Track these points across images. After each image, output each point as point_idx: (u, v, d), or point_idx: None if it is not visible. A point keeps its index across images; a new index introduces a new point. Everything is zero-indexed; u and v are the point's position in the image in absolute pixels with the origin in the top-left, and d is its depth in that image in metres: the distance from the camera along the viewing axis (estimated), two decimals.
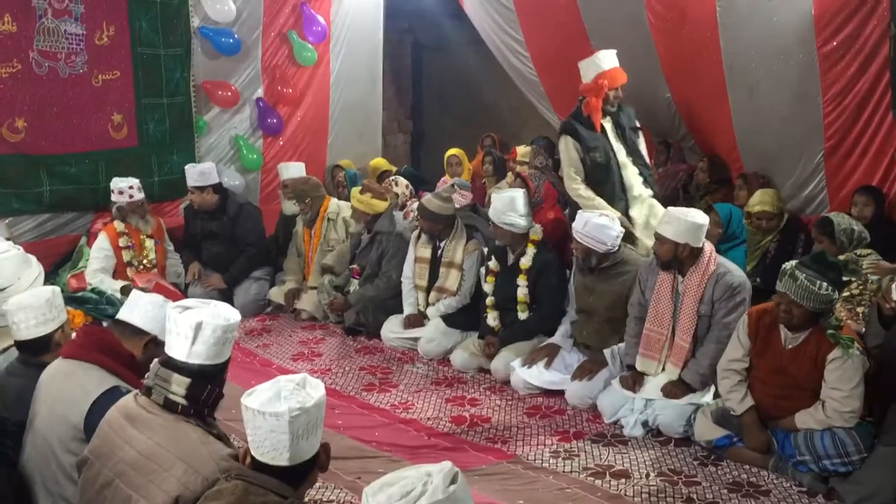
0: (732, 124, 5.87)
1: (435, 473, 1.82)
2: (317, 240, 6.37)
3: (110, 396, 2.67)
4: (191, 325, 2.34)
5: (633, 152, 5.17)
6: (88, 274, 5.87)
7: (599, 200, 4.99)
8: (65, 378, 2.81)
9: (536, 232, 5.04)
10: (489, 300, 5.17)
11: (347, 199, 7.28)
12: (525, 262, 4.98)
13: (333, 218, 6.37)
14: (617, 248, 4.61)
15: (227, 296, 6.17)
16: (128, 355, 2.86)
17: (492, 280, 5.16)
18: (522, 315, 5.03)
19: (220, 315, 2.40)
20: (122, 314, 2.92)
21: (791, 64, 5.24)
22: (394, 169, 8.13)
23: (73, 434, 2.71)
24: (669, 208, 4.31)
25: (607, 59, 5.07)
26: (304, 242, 6.50)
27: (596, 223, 4.52)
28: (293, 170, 7.17)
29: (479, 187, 7.43)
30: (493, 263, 5.18)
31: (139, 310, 2.89)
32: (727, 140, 6.06)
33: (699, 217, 4.15)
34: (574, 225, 4.64)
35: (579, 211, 4.81)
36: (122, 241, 6.00)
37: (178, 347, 2.38)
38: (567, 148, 5.05)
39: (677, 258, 4.16)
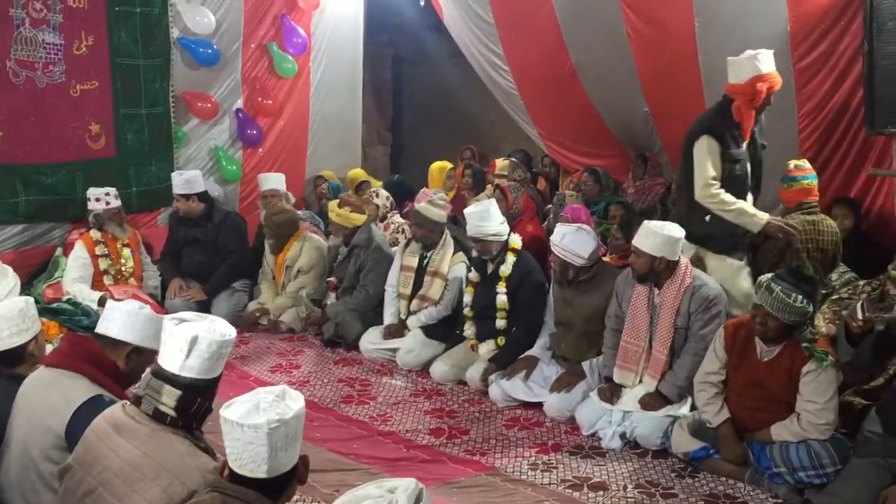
0: None
1: (399, 492, 1.82)
2: (281, 264, 6.33)
3: (93, 405, 2.67)
4: (186, 339, 2.35)
5: (756, 171, 4.58)
6: (67, 283, 5.83)
7: (743, 205, 4.38)
8: (47, 386, 2.80)
9: (516, 240, 5.03)
10: (467, 310, 5.17)
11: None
12: (504, 269, 4.96)
13: (290, 265, 6.30)
14: (595, 262, 4.63)
15: (205, 306, 6.12)
16: (111, 365, 2.86)
17: (471, 290, 5.17)
18: (501, 322, 5.00)
19: (216, 330, 2.41)
20: (101, 327, 2.90)
21: None
22: (372, 180, 8.16)
23: (54, 442, 2.70)
24: (646, 222, 4.34)
25: (767, 62, 4.33)
26: (272, 263, 6.46)
27: (574, 237, 4.55)
28: (273, 181, 7.16)
29: (459, 199, 7.46)
30: (472, 274, 5.19)
31: (116, 321, 2.87)
32: None
33: (675, 231, 4.19)
34: (552, 238, 4.67)
35: (557, 224, 4.83)
36: (98, 250, 5.96)
37: (172, 359, 2.38)
38: (709, 150, 4.37)
39: (653, 271, 4.20)
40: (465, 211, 5.13)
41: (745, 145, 4.45)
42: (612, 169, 7.15)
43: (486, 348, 5.04)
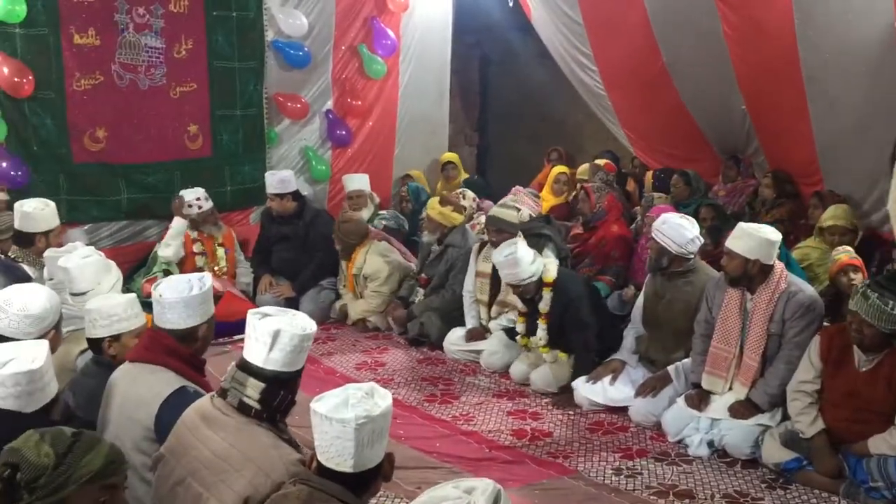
0: (814, 139, 5.74)
1: (478, 493, 1.82)
2: (351, 272, 6.38)
3: (178, 396, 2.76)
4: (269, 332, 2.40)
5: None
6: (161, 243, 6.17)
7: None
8: (133, 381, 2.90)
9: (550, 273, 4.89)
10: (520, 339, 5.19)
11: (410, 213, 7.37)
12: (543, 307, 4.90)
13: (358, 274, 6.32)
14: (691, 255, 4.55)
15: (293, 303, 6.26)
16: (188, 354, 2.94)
17: (522, 320, 5.12)
18: (547, 356, 4.98)
19: (297, 324, 2.47)
20: (160, 321, 2.94)
21: (872, 77, 5.09)
22: (461, 167, 8.26)
23: (144, 434, 2.80)
24: (740, 223, 4.24)
25: None
26: (345, 269, 6.50)
27: (675, 222, 4.51)
28: (357, 181, 7.28)
29: (564, 206, 7.46)
30: (520, 304, 5.12)
31: (170, 313, 2.92)
32: (807, 154, 5.92)
33: (771, 233, 4.07)
34: (654, 224, 4.64)
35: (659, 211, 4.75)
36: (196, 248, 6.20)
37: (256, 353, 2.44)
38: None
39: (747, 274, 4.08)
40: (494, 260, 5.01)
41: None
42: (701, 172, 6.99)
43: (552, 356, 5.02)
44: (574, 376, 4.87)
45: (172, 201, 6.40)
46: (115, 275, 4.03)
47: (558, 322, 4.90)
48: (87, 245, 4.80)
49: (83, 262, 3.90)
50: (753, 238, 4.05)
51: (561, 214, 7.42)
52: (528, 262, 4.81)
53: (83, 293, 3.86)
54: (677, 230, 4.48)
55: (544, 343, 4.95)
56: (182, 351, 2.92)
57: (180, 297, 2.89)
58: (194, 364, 2.97)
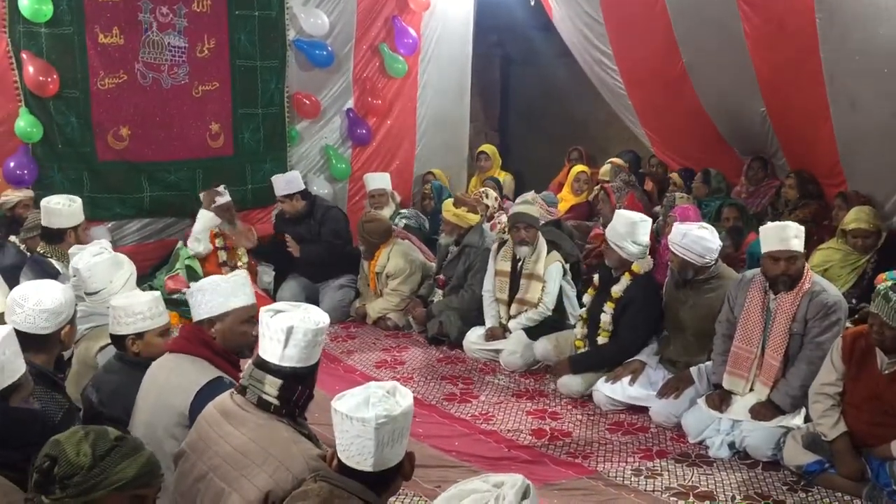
0: (835, 139, 5.68)
1: (507, 487, 1.82)
2: (373, 271, 6.37)
3: (215, 386, 2.80)
4: (282, 329, 2.41)
5: None
6: (191, 238, 6.21)
7: None
8: (172, 370, 2.95)
9: (642, 264, 4.80)
10: (583, 311, 5.10)
11: (432, 211, 7.37)
12: (616, 290, 4.81)
13: (381, 272, 6.32)
14: (714, 262, 4.51)
15: (312, 300, 6.27)
16: (222, 349, 2.99)
17: (592, 293, 5.06)
18: (602, 340, 4.90)
19: (310, 319, 2.46)
20: (197, 314, 3.03)
21: (895, 77, 5.03)
22: (495, 157, 8.34)
23: (178, 420, 2.84)
24: (768, 224, 4.20)
25: None
26: (367, 269, 6.51)
27: (696, 235, 4.43)
28: (378, 180, 7.29)
29: (584, 206, 7.45)
30: (596, 278, 5.08)
31: (202, 305, 3.01)
32: (828, 155, 5.87)
33: (797, 226, 4.05)
34: (671, 237, 4.56)
35: (676, 223, 4.71)
36: (217, 242, 6.25)
37: (271, 350, 2.44)
38: None
39: (787, 274, 4.02)
40: (617, 213, 4.95)
41: None
42: (724, 172, 6.95)
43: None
44: (574, 366, 4.88)
45: (201, 195, 6.43)
46: (127, 269, 4.04)
47: (619, 313, 4.82)
48: (111, 242, 4.86)
49: (93, 261, 3.91)
50: (791, 229, 4.00)
51: (581, 214, 7.41)
52: (639, 241, 4.72)
53: (97, 292, 3.89)
54: (699, 242, 4.42)
55: (609, 328, 4.84)
56: (219, 347, 2.98)
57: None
58: (230, 360, 3.01)
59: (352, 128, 7.75)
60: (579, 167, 7.85)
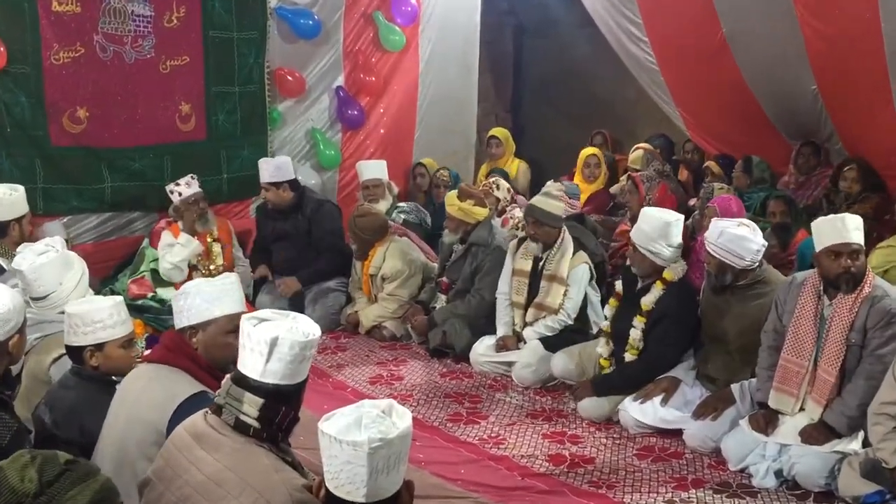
0: None
1: None
2: (366, 273, 6.38)
3: (197, 401, 2.81)
4: (266, 341, 2.40)
5: None
6: (164, 270, 6.11)
7: None
8: (149, 382, 2.97)
9: (674, 270, 4.77)
10: (605, 325, 5.09)
11: (441, 203, 7.35)
12: (647, 301, 4.78)
13: (375, 274, 6.32)
14: (757, 264, 4.49)
15: (298, 307, 6.27)
16: (206, 362, 3.01)
17: (614, 304, 5.05)
18: (630, 357, 4.88)
19: (298, 330, 2.45)
20: (180, 321, 3.06)
21: None
22: (508, 142, 8.33)
23: (154, 438, 2.84)
24: (821, 217, 4.19)
25: None
26: (360, 271, 6.51)
27: (734, 234, 4.40)
28: (374, 169, 7.27)
29: (602, 194, 7.43)
30: (619, 285, 5.07)
31: (184, 311, 3.03)
32: (890, 141, 5.86)
33: (858, 223, 4.05)
34: (707, 235, 4.55)
35: (714, 219, 4.70)
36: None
37: (252, 364, 2.44)
38: None
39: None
40: (643, 213, 4.88)
41: None
42: (769, 160, 6.93)
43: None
44: (598, 388, 4.87)
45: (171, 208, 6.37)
46: (78, 269, 4.04)
47: (650, 327, 4.79)
48: (66, 239, 4.85)
49: (38, 261, 3.90)
50: (854, 219, 4.00)
51: (601, 204, 7.36)
52: (672, 242, 4.70)
53: (44, 297, 3.89)
54: (738, 242, 4.40)
55: (639, 346, 4.81)
56: (202, 360, 3.00)
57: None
58: (214, 375, 3.02)
59: (342, 108, 7.76)
60: (589, 149, 7.83)
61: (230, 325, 3.00)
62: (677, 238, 4.74)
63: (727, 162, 7.09)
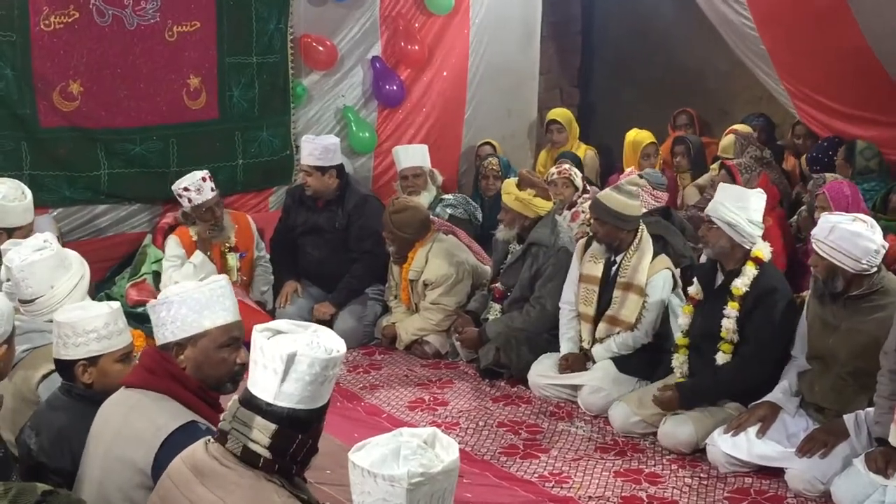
0: None
1: None
2: (405, 278, 6.38)
3: (186, 434, 2.81)
4: (281, 357, 2.39)
5: None
6: (166, 286, 6.04)
7: None
8: (129, 411, 2.96)
9: (762, 249, 4.82)
10: (680, 337, 5.08)
11: (494, 197, 7.34)
12: (740, 284, 4.79)
13: (416, 279, 6.33)
14: (875, 268, 4.44)
15: (326, 320, 6.28)
16: (195, 384, 3.01)
17: (689, 311, 5.06)
18: (723, 358, 4.88)
19: (319, 345, 2.44)
20: (163, 336, 3.06)
21: None
22: (572, 127, 8.36)
23: (138, 480, 2.85)
24: None
25: None
26: (398, 276, 6.52)
27: (847, 229, 4.35)
28: (413, 155, 7.27)
29: (669, 183, 7.36)
30: (693, 289, 5.07)
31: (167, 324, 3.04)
32: None
33: None
34: (815, 232, 4.50)
35: (824, 214, 4.65)
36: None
37: (264, 384, 2.43)
38: None
39: None
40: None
41: None
42: (890, 142, 6.84)
43: None
44: (685, 398, 4.86)
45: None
46: (77, 272, 4.06)
47: (745, 315, 4.79)
48: (57, 235, 4.90)
49: (31, 258, 3.92)
50: None
51: (667, 201, 7.31)
52: (752, 217, 4.78)
53: (33, 300, 3.92)
54: (852, 240, 4.33)
55: (734, 338, 4.81)
56: (191, 381, 2.99)
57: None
58: (207, 399, 3.03)
59: (378, 83, 7.79)
60: (636, 133, 7.78)
61: (224, 338, 3.01)
62: (757, 213, 4.79)
63: (832, 147, 6.97)
